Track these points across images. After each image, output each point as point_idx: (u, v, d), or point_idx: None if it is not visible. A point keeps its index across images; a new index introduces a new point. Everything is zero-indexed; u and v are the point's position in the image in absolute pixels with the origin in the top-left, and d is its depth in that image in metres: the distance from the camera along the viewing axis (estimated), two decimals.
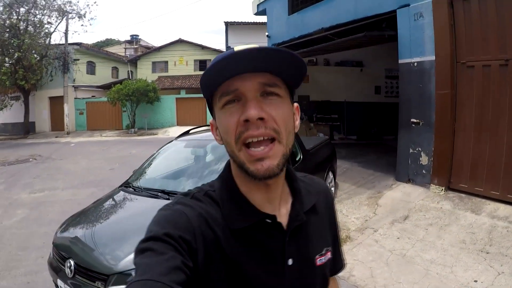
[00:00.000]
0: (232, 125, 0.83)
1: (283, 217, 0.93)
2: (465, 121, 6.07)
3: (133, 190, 4.24)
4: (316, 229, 1.02)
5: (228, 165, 0.98)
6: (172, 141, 5.40)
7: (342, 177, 8.15)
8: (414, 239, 5.00)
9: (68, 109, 24.81)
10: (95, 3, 51.31)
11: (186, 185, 4.18)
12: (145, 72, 31.04)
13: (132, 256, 2.58)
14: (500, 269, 4.03)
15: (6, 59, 22.02)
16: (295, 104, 0.96)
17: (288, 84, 0.90)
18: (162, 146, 5.35)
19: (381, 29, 7.98)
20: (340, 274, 3.54)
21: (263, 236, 0.89)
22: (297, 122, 0.96)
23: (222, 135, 0.90)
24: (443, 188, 6.27)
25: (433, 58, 6.35)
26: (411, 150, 6.90)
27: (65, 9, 24.62)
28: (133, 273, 2.29)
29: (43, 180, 10.09)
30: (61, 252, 3.26)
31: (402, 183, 7.05)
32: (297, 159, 5.66)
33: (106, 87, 27.21)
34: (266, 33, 12.52)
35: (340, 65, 14.32)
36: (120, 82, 24.93)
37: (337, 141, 13.55)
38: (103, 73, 30.34)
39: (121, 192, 4.26)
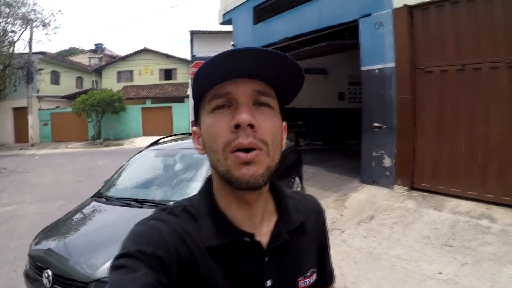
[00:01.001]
0: (221, 131, 0.78)
1: (264, 236, 0.88)
2: (425, 123, 6.31)
3: (105, 200, 4.21)
4: (302, 249, 0.96)
5: (208, 180, 0.93)
6: (142, 151, 5.39)
7: (309, 182, 8.26)
8: (380, 238, 5.12)
9: (33, 120, 23.96)
10: (59, 11, 49.40)
11: (156, 193, 4.25)
12: (110, 82, 30.37)
13: (108, 263, 2.56)
14: (464, 260, 4.20)
15: None
16: (284, 123, 0.91)
17: (280, 97, 0.87)
18: (133, 156, 5.33)
19: (344, 38, 8.18)
20: None
21: (241, 255, 0.85)
22: (284, 141, 0.91)
23: (207, 143, 0.83)
24: (407, 188, 6.46)
25: (394, 65, 6.57)
26: (374, 153, 7.08)
27: (29, 17, 23.85)
28: None
29: (10, 193, 9.77)
30: (38, 263, 3.23)
31: (367, 185, 7.21)
32: None
33: (70, 97, 26.56)
34: (232, 43, 12.59)
35: (305, 72, 14.38)
36: (85, 92, 24.33)
37: (303, 147, 13.69)
38: (68, 83, 29.53)
39: (94, 203, 4.22)
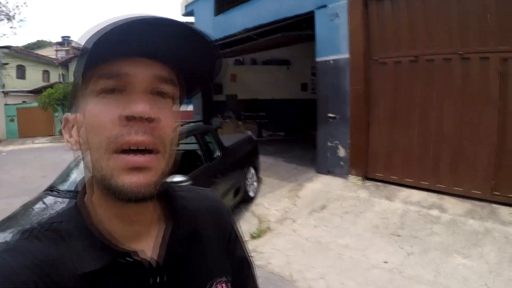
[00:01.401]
0: (108, 122, 0.57)
1: (152, 251, 0.68)
2: (379, 114, 6.17)
3: (57, 193, 4.18)
4: (203, 257, 0.76)
5: (81, 188, 0.70)
6: None
7: (267, 172, 8.04)
8: (330, 227, 4.97)
9: None
10: (24, 3, 46.96)
11: None
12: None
13: None
14: (410, 249, 4.08)
15: None
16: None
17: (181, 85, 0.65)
18: None
19: (301, 29, 7.95)
20: (258, 262, 3.39)
21: (124, 278, 0.63)
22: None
23: (86, 135, 0.61)
24: (361, 178, 6.34)
25: (348, 56, 6.40)
26: (329, 144, 6.92)
27: None
28: None
29: None
30: None
31: (322, 175, 7.06)
32: (214, 156, 5.56)
33: (37, 91, 25.27)
34: None
35: (267, 63, 14.29)
36: (52, 85, 23.37)
37: (265, 138, 13.50)
38: (34, 77, 28.20)
39: (47, 196, 4.19)
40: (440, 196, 5.21)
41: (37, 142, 21.45)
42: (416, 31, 5.56)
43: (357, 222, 4.96)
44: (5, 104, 24.29)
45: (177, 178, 3.98)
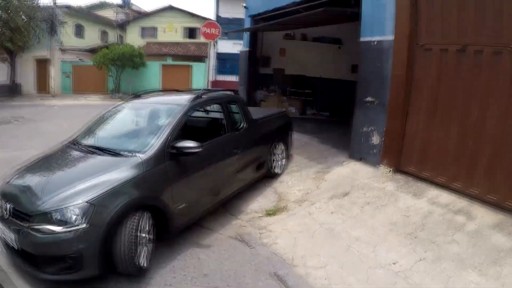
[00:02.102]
0: None
1: None
2: (419, 104, 5.75)
3: (74, 146, 4.45)
4: None
5: None
6: (123, 103, 5.47)
7: (299, 150, 7.88)
8: (347, 216, 4.79)
9: (54, 72, 24.03)
10: None
11: (122, 142, 4.50)
12: (134, 37, 30.14)
13: (59, 196, 3.20)
14: (423, 255, 3.82)
15: None
16: None
17: None
18: (114, 107, 5.39)
19: (350, 6, 7.53)
20: (264, 240, 3.28)
21: None
22: None
23: None
24: (392, 169, 6.01)
25: (392, 38, 5.97)
26: (364, 129, 6.61)
27: None
28: (55, 214, 3.12)
29: (21, 140, 9.79)
30: (4, 199, 3.54)
31: (354, 161, 6.79)
32: (239, 127, 5.45)
33: (94, 50, 26.30)
34: (243, 4, 11.98)
35: (318, 40, 13.77)
36: (108, 46, 24.19)
37: (308, 116, 13.25)
38: (92, 37, 29.24)
39: (65, 148, 4.48)
40: (471, 201, 4.77)
41: (89, 98, 22.38)
42: (467, 18, 5.01)
43: (376, 215, 4.72)
44: (62, 61, 25.42)
45: (187, 143, 3.96)
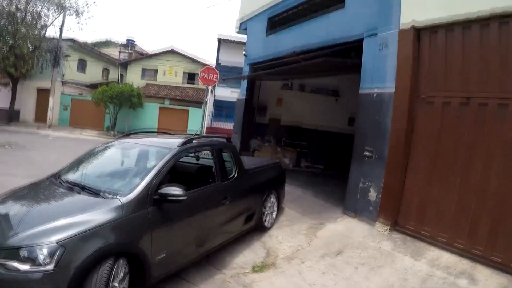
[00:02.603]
0: None
1: None
2: (419, 159, 5.56)
3: (55, 180, 4.24)
4: None
5: None
6: (112, 141, 5.27)
7: (292, 204, 7.56)
8: (340, 277, 4.40)
9: (53, 103, 24.09)
10: (94, 3, 50.13)
11: (99, 181, 4.23)
12: (135, 77, 30.39)
13: (28, 232, 2.95)
14: None
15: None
16: None
17: None
18: (102, 145, 5.20)
19: (350, 57, 7.52)
20: None
21: None
22: None
23: None
24: (388, 227, 5.71)
25: (393, 90, 5.86)
26: (361, 184, 6.36)
27: (64, 5, 23.80)
28: (22, 251, 2.83)
29: (7, 166, 9.67)
30: None
31: (348, 217, 6.48)
32: (229, 176, 5.12)
33: (94, 86, 26.59)
34: (244, 52, 12.07)
35: (316, 92, 13.78)
36: (108, 83, 24.43)
37: (302, 168, 12.98)
38: (94, 73, 29.73)
39: (46, 182, 4.28)
40: (473, 263, 4.46)
41: (84, 133, 22.38)
42: (470, 70, 4.92)
43: (371, 277, 4.35)
44: (62, 93, 25.79)
45: (172, 190, 3.69)
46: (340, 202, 7.23)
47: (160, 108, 26.36)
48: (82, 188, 3.86)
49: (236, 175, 5.21)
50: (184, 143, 4.46)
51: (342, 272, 4.52)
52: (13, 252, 2.88)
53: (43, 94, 25.02)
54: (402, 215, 5.68)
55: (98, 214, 3.27)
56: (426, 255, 4.84)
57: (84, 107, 25.39)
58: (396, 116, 5.80)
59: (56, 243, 2.89)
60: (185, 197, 3.69)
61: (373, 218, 5.99)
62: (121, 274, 3.31)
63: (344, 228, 6.05)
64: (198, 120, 24.99)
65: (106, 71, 32.06)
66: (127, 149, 5.08)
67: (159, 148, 4.48)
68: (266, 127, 14.01)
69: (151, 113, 25.85)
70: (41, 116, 25.09)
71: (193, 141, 4.70)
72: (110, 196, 3.60)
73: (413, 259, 4.75)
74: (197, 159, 5.66)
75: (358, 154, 6.49)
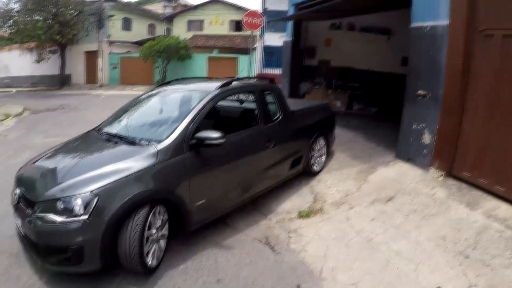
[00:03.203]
0: None
1: None
2: (478, 98, 5.04)
3: (96, 134, 4.32)
4: None
5: None
6: (151, 90, 5.21)
7: (342, 147, 7.36)
8: (389, 224, 4.24)
9: (102, 63, 24.91)
10: None
11: (141, 131, 4.22)
12: (181, 30, 30.52)
13: (64, 184, 3.06)
14: (474, 280, 3.20)
15: (43, 14, 22.04)
16: None
17: None
18: (141, 95, 5.20)
19: None
20: (293, 245, 2.98)
21: None
22: None
23: None
24: (443, 173, 5.37)
25: (447, 22, 5.29)
26: (414, 126, 5.98)
27: None
28: (59, 203, 2.94)
29: (61, 127, 10.20)
30: (16, 184, 3.54)
31: (401, 162, 6.19)
32: (274, 118, 4.99)
33: (141, 43, 26.85)
34: None
35: (366, 31, 12.93)
36: (154, 38, 24.62)
37: (354, 111, 12.54)
38: (139, 30, 30.05)
39: (85, 136, 4.42)
40: None
41: (135, 89, 22.87)
42: None
43: (422, 226, 4.14)
44: (110, 53, 26.42)
45: (209, 133, 3.63)
46: (392, 146, 6.92)
47: (209, 58, 26.31)
48: (120, 138, 3.93)
49: (280, 117, 5.07)
50: (222, 86, 4.35)
51: (392, 219, 4.35)
52: (51, 204, 2.98)
53: (91, 56, 25.86)
54: (458, 161, 5.29)
55: (132, 162, 3.31)
56: (483, 204, 4.48)
57: (133, 64, 25.88)
58: (451, 51, 5.26)
59: (90, 192, 2.95)
60: (223, 140, 3.61)
61: (427, 163, 5.67)
62: (158, 222, 3.39)
63: (396, 173, 5.80)
64: (248, 68, 24.82)
65: (151, 27, 32.25)
66: (165, 97, 5.01)
67: (197, 93, 4.39)
68: (315, 69, 13.50)
69: (200, 64, 25.89)
70: (91, 77, 26.09)
71: (233, 83, 4.57)
72: (146, 143, 3.62)
73: (468, 208, 4.44)
74: (241, 103, 5.55)
75: (411, 94, 6.07)
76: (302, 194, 5.35)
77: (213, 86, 4.34)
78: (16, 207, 3.37)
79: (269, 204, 4.96)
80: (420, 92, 5.80)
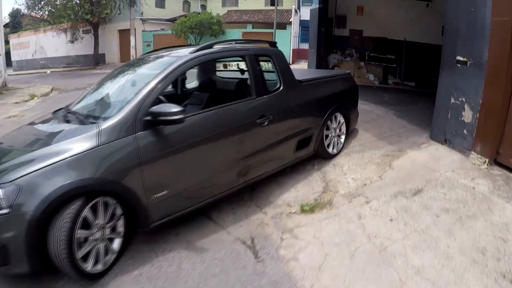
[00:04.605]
0: None
1: None
2: None
3: (59, 113, 3.62)
4: None
5: None
6: (131, 61, 4.48)
7: (367, 125, 6.32)
8: (412, 228, 3.21)
9: (136, 41, 24.52)
10: None
11: (96, 108, 3.57)
12: (216, 6, 29.86)
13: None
14: None
15: None
16: None
17: None
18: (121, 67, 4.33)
19: None
20: (282, 251, 1.74)
21: None
22: None
23: None
24: (487, 160, 4.28)
25: None
26: (452, 100, 4.84)
27: None
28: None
29: None
30: None
31: (436, 144, 5.12)
32: (272, 89, 3.98)
33: (175, 20, 26.42)
34: None
35: None
36: (187, 15, 24.21)
37: (390, 85, 11.35)
38: (174, 7, 29.71)
39: (56, 113, 3.67)
40: None
41: None
42: None
43: (456, 232, 3.08)
44: (143, 31, 26.29)
45: (165, 107, 2.86)
46: (428, 124, 5.80)
47: (243, 33, 25.55)
48: (76, 117, 3.24)
49: (281, 89, 4.05)
50: (199, 50, 3.49)
51: (417, 221, 3.31)
52: None
53: (124, 35, 25.60)
54: (507, 145, 4.16)
55: (69, 145, 2.64)
56: None
57: (167, 41, 25.21)
58: (498, 5, 4.07)
59: (11, 182, 2.39)
60: (180, 116, 2.82)
61: (468, 147, 4.56)
62: (102, 218, 2.69)
63: (428, 157, 4.73)
64: (284, 43, 23.68)
65: (186, 4, 31.85)
66: (138, 67, 4.08)
67: (167, 58, 3.57)
68: (346, 40, 12.41)
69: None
70: (125, 56, 25.85)
71: (214, 47, 3.66)
72: (90, 122, 2.93)
73: None
74: (242, 73, 4.61)
75: (449, 61, 4.93)
76: (311, 181, 4.36)
77: (189, 50, 3.49)
78: None
79: (268, 193, 4.03)
80: (459, 58, 4.65)
